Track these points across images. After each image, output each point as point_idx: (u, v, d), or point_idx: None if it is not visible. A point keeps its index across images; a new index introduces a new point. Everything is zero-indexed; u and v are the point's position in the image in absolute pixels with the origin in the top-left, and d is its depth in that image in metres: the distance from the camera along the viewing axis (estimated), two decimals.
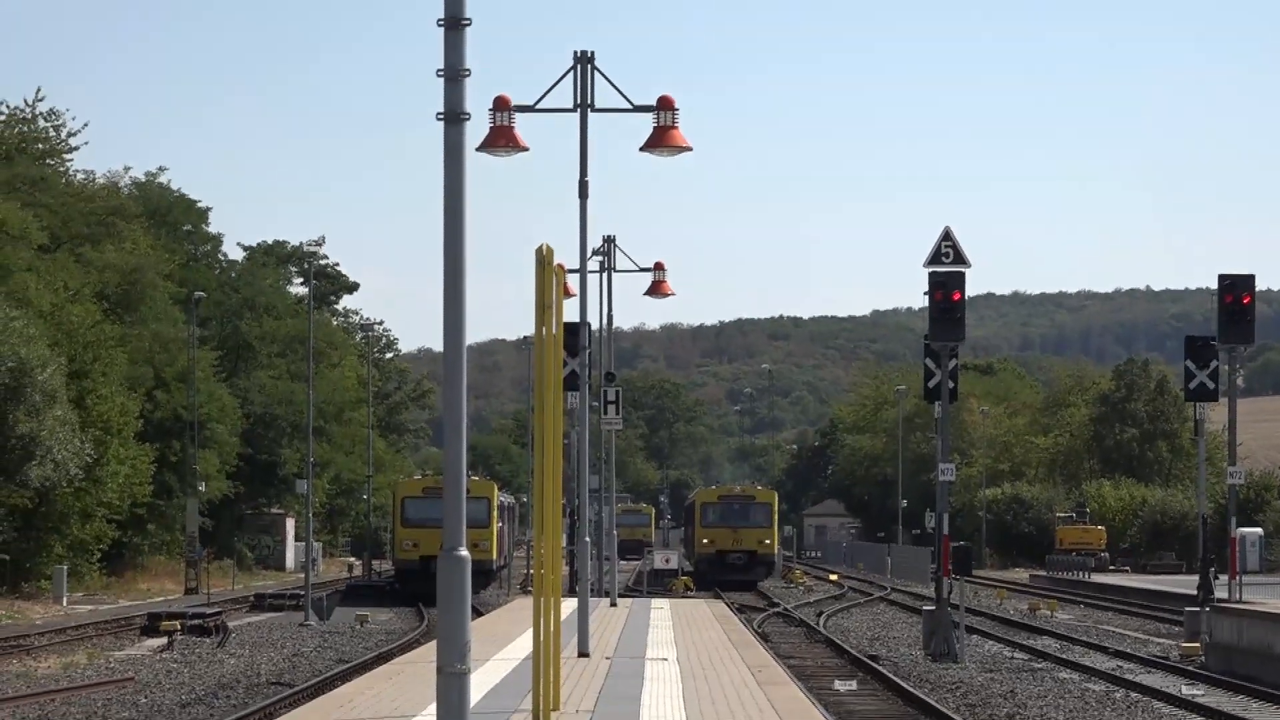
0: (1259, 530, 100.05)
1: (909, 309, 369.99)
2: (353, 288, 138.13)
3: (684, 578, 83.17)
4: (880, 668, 41.12)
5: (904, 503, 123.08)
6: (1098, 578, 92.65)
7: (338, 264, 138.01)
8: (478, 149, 27.98)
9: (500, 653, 30.01)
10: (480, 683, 23.62)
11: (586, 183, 30.82)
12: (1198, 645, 44.83)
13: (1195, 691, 36.25)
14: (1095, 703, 34.30)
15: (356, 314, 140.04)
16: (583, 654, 29.26)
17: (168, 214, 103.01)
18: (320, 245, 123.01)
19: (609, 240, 52.73)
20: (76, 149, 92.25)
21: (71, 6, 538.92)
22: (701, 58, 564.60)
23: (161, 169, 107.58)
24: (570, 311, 33.38)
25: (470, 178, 15.24)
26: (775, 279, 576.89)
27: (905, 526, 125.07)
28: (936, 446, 50.57)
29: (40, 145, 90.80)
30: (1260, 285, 53.90)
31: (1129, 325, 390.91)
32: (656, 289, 48.20)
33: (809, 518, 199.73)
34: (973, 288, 48.55)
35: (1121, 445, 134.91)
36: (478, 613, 44.29)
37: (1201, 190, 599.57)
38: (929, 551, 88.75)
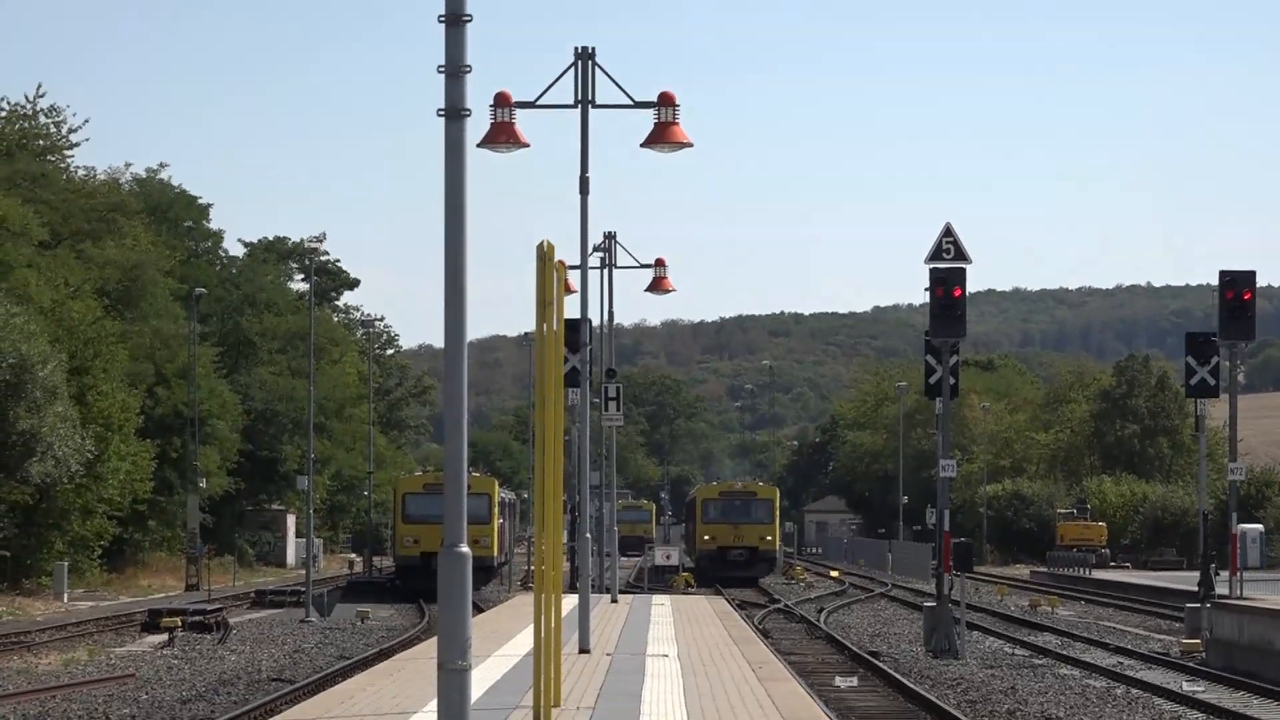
0: (1260, 526, 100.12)
1: (910, 305, 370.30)
2: (353, 284, 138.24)
3: (685, 574, 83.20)
4: (881, 664, 41.13)
5: (905, 499, 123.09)
6: (1098, 574, 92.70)
7: (338, 260, 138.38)
8: (479, 145, 28.01)
9: (501, 649, 30.01)
10: (481, 679, 23.62)
11: (587, 179, 30.83)
12: (1198, 641, 44.84)
13: (1196, 688, 36.26)
14: (1096, 699, 34.31)
15: (357, 310, 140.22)
16: (583, 650, 29.26)
17: (168, 210, 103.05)
18: (321, 241, 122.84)
19: (610, 236, 52.76)
20: (77, 145, 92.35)
21: (73, 3, 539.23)
22: (702, 56, 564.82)
23: (162, 165, 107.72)
24: (571, 308, 33.42)
25: (471, 174, 15.25)
26: (776, 275, 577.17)
27: (906, 523, 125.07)
28: (937, 443, 50.59)
29: (41, 142, 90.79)
30: (1261, 281, 54.04)
31: (1130, 321, 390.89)
32: (657, 285, 48.20)
33: (810, 514, 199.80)
34: (973, 284, 48.68)
35: (1122, 441, 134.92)
36: (478, 609, 44.33)
37: (1202, 187, 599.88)
38: (930, 548, 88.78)
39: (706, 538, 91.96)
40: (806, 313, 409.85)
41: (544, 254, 18.50)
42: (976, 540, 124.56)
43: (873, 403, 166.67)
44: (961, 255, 44.48)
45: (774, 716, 20.99)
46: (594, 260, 51.46)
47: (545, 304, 18.48)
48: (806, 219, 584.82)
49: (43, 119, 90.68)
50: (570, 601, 32.65)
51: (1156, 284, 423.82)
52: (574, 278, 35.92)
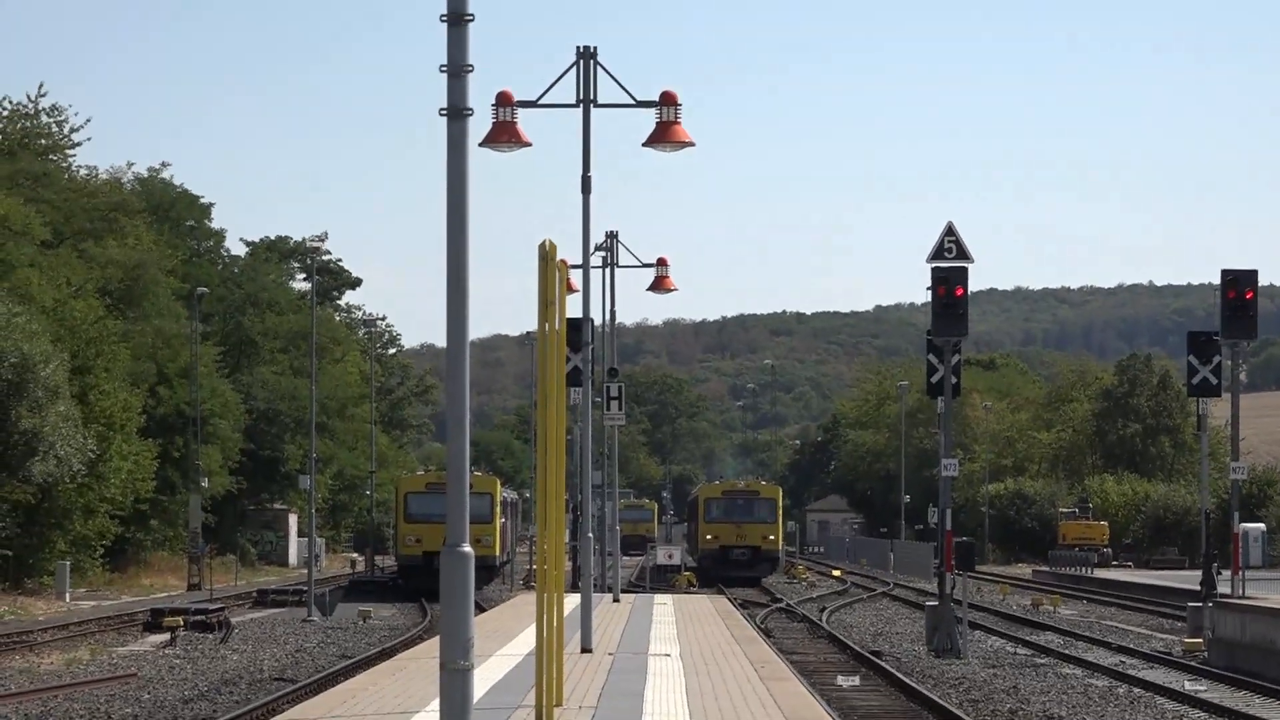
0: (1262, 525, 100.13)
1: (912, 304, 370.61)
2: (355, 283, 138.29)
3: (686, 573, 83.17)
4: (883, 663, 41.12)
5: (907, 498, 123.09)
6: (1100, 573, 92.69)
7: (340, 260, 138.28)
8: (480, 144, 27.99)
9: (503, 648, 30.01)
10: (483, 678, 23.62)
11: (589, 178, 30.81)
12: (1200, 641, 44.82)
13: (1198, 687, 36.24)
14: (1098, 698, 34.29)
15: (359, 309, 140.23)
16: (586, 650, 29.26)
17: (170, 210, 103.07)
18: (323, 241, 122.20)
19: (612, 236, 52.72)
20: (79, 145, 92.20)
21: (74, 3, 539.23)
22: (703, 55, 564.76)
23: (164, 165, 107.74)
24: (573, 307, 33.41)
25: (473, 173, 15.25)
26: (778, 275, 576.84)
27: (908, 522, 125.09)
28: (939, 442, 50.56)
29: (43, 141, 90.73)
30: (1263, 281, 54.05)
31: (1131, 320, 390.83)
32: (659, 284, 48.17)
33: (811, 513, 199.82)
34: (975, 283, 48.59)
35: (1124, 440, 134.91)
36: (480, 608, 44.33)
37: (1204, 186, 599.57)
38: (932, 547, 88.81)
39: (709, 537, 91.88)
40: (808, 312, 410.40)
41: (546, 253, 18.49)
42: (978, 539, 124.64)
43: (874, 402, 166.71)
44: (963, 254, 44.46)
45: (776, 716, 20.98)
46: (596, 259, 51.44)
47: (547, 303, 18.48)
48: (807, 218, 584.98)
49: (44, 118, 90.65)
50: (572, 601, 32.64)
51: (1158, 283, 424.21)
52: (576, 277, 35.95)
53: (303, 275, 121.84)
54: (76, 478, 68.29)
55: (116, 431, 74.96)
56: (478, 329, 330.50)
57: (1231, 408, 51.47)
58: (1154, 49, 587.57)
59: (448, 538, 15.35)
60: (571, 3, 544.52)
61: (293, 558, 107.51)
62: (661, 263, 48.55)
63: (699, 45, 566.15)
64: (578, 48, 30.56)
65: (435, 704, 16.62)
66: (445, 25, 15.22)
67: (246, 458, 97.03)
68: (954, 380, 45.55)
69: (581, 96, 30.45)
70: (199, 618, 52.03)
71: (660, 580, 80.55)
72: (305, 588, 62.70)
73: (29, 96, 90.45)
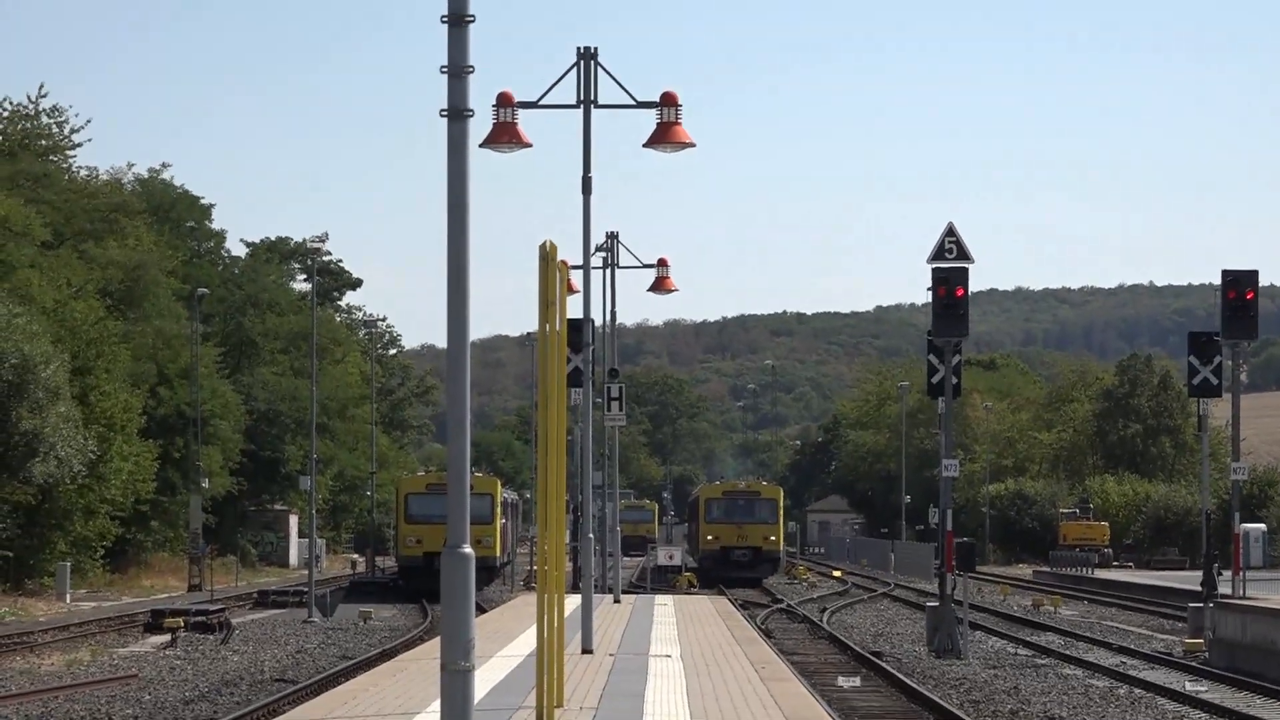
0: (1262, 526, 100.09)
1: (912, 304, 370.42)
2: (356, 284, 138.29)
3: (687, 574, 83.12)
4: (884, 664, 41.12)
5: (907, 498, 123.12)
6: (1101, 573, 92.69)
7: (341, 260, 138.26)
8: (481, 145, 27.99)
9: (504, 649, 30.01)
10: (484, 679, 23.62)
11: (590, 179, 30.81)
12: (1201, 641, 44.83)
13: (1199, 687, 36.24)
14: (1099, 699, 34.29)
15: (360, 310, 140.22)
16: (586, 650, 29.26)
17: (171, 210, 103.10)
18: (323, 242, 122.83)
19: (612, 236, 52.69)
20: (79, 146, 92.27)
21: (74, 3, 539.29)
22: (704, 56, 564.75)
23: (165, 166, 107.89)
24: (574, 308, 33.39)
25: (473, 174, 15.26)
26: (778, 275, 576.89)
27: (909, 522, 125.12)
28: (940, 442, 50.56)
29: (43, 142, 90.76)
30: (1264, 281, 53.97)
31: (1132, 321, 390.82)
32: (660, 285, 48.15)
33: (812, 514, 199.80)
34: (976, 283, 48.57)
35: (1125, 441, 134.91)
36: (481, 609, 44.32)
37: (1204, 186, 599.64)
38: (932, 547, 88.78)
39: (710, 538, 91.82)
40: (809, 312, 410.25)
41: (546, 254, 18.49)
42: (979, 540, 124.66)
43: (875, 402, 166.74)
44: (964, 255, 44.46)
45: (777, 717, 20.98)
46: (596, 260, 51.41)
47: (548, 304, 18.48)
48: (808, 218, 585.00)
49: (45, 119, 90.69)
50: (573, 602, 32.64)
51: (1159, 283, 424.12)
52: (576, 278, 35.96)
53: (303, 276, 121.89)
54: (77, 479, 68.29)
55: (117, 432, 74.97)
56: (478, 329, 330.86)
57: (1232, 408, 51.47)
58: (1154, 49, 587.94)
59: (448, 539, 15.35)
60: (571, 3, 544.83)
61: (293, 558, 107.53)
62: (662, 263, 48.54)
63: (699, 45, 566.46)
64: (578, 48, 30.57)
65: (436, 705, 16.62)
66: (446, 26, 15.23)
67: (247, 458, 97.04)
68: (954, 381, 45.55)
69: (582, 97, 30.45)
70: (200, 619, 52.03)
71: (661, 581, 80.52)
72: (306, 589, 62.70)
73: (29, 97, 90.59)
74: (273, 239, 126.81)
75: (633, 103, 30.02)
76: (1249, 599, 45.04)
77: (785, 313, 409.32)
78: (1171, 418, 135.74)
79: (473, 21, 15.20)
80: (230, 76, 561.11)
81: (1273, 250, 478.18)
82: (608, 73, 30.40)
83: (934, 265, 44.50)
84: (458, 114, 15.22)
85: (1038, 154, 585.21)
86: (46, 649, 46.63)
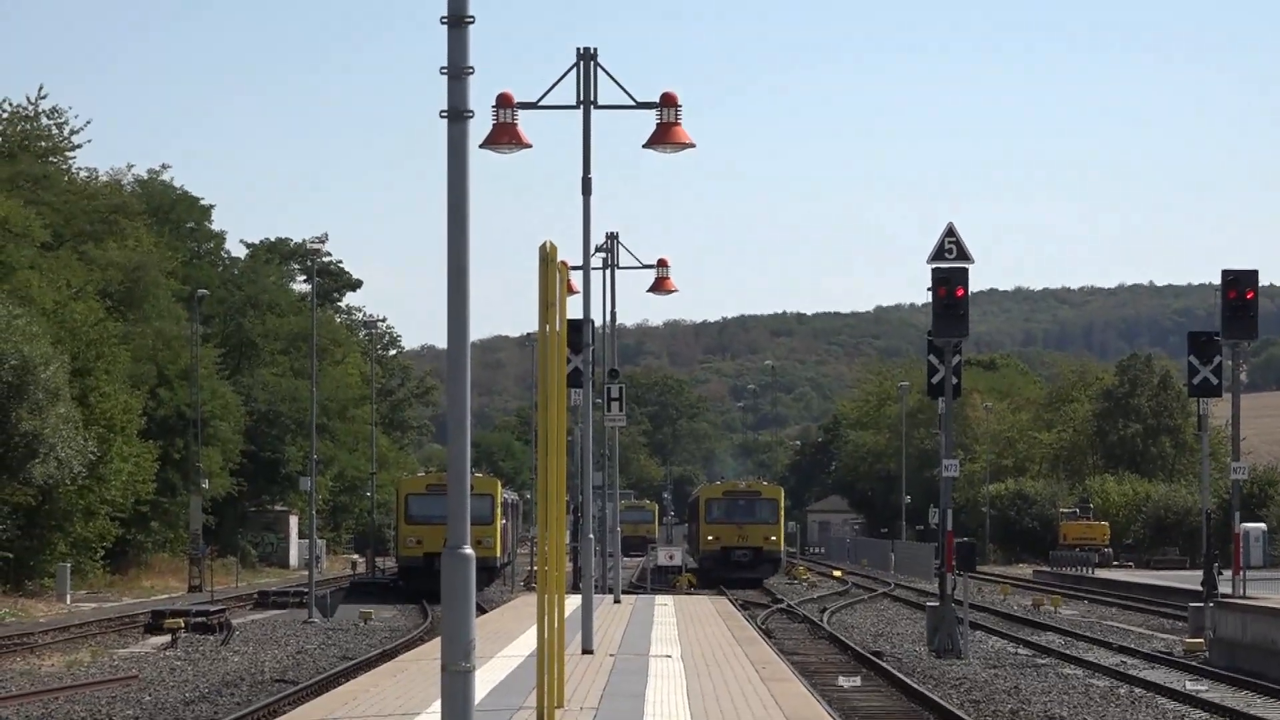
0: (1262, 525, 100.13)
1: (912, 305, 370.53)
2: (356, 285, 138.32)
3: (687, 574, 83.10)
4: (884, 664, 41.12)
5: (907, 499, 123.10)
6: (1101, 573, 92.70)
7: (341, 261, 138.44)
8: (481, 146, 27.99)
9: (504, 650, 30.02)
10: (484, 680, 23.62)
11: (590, 179, 30.80)
12: (1202, 641, 44.82)
13: (1199, 687, 36.24)
14: (1099, 698, 34.30)
15: (359, 311, 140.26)
16: (587, 651, 29.26)
17: (170, 211, 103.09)
18: (323, 242, 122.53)
19: (612, 237, 52.69)
20: (79, 147, 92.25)
21: (74, 4, 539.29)
22: (704, 56, 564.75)
23: (164, 167, 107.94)
24: (574, 308, 33.41)
25: (473, 175, 15.27)
26: (778, 275, 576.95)
27: (909, 522, 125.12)
28: (940, 442, 50.55)
29: (43, 143, 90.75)
30: (1264, 281, 53.99)
31: (1132, 320, 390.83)
32: (660, 285, 48.16)
33: (812, 514, 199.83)
34: (976, 283, 48.64)
35: (1125, 440, 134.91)
36: (481, 610, 44.32)
37: (1204, 186, 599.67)
38: (933, 547, 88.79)
39: (710, 538, 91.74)
40: (809, 313, 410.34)
41: (546, 255, 18.50)
42: (979, 540, 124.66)
43: (875, 402, 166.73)
44: (964, 255, 44.47)
45: (777, 717, 20.99)
46: (596, 261, 51.41)
47: (548, 305, 18.48)
48: (808, 218, 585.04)
49: (44, 120, 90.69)
50: (573, 602, 32.65)
51: (1159, 283, 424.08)
52: (576, 278, 35.97)
53: (303, 277, 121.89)
54: (77, 480, 68.29)
55: (117, 433, 74.97)
56: (478, 330, 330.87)
57: (1232, 408, 51.49)
58: (1154, 49, 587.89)
59: (449, 539, 15.35)
60: (571, 3, 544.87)
61: (293, 559, 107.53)
62: (662, 264, 48.54)
63: (699, 46, 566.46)
64: (578, 49, 30.56)
65: (436, 706, 16.63)
66: (446, 27, 15.23)
67: (247, 459, 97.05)
68: (955, 381, 45.55)
69: (582, 98, 30.44)
70: (200, 619, 52.04)
71: (661, 581, 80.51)
72: (306, 589, 62.70)
73: (29, 99, 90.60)
74: (272, 240, 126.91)
75: (632, 103, 30.02)
76: (1249, 598, 45.05)
77: (785, 313, 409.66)
78: (1171, 418, 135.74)
79: (472, 22, 15.20)
80: (230, 77, 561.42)
81: (1273, 250, 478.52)
82: (607, 73, 30.42)
83: (934, 265, 44.51)
84: (457, 115, 15.23)
85: (1038, 154, 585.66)
86: (47, 650, 46.64)
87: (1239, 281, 47.83)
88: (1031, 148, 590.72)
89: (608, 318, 56.84)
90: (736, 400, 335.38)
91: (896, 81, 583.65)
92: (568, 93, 30.19)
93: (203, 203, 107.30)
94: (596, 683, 24.44)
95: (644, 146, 29.15)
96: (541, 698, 18.48)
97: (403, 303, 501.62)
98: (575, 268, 33.97)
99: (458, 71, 15.23)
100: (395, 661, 31.05)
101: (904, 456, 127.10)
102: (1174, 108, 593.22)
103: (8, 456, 63.87)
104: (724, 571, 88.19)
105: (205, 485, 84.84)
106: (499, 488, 79.78)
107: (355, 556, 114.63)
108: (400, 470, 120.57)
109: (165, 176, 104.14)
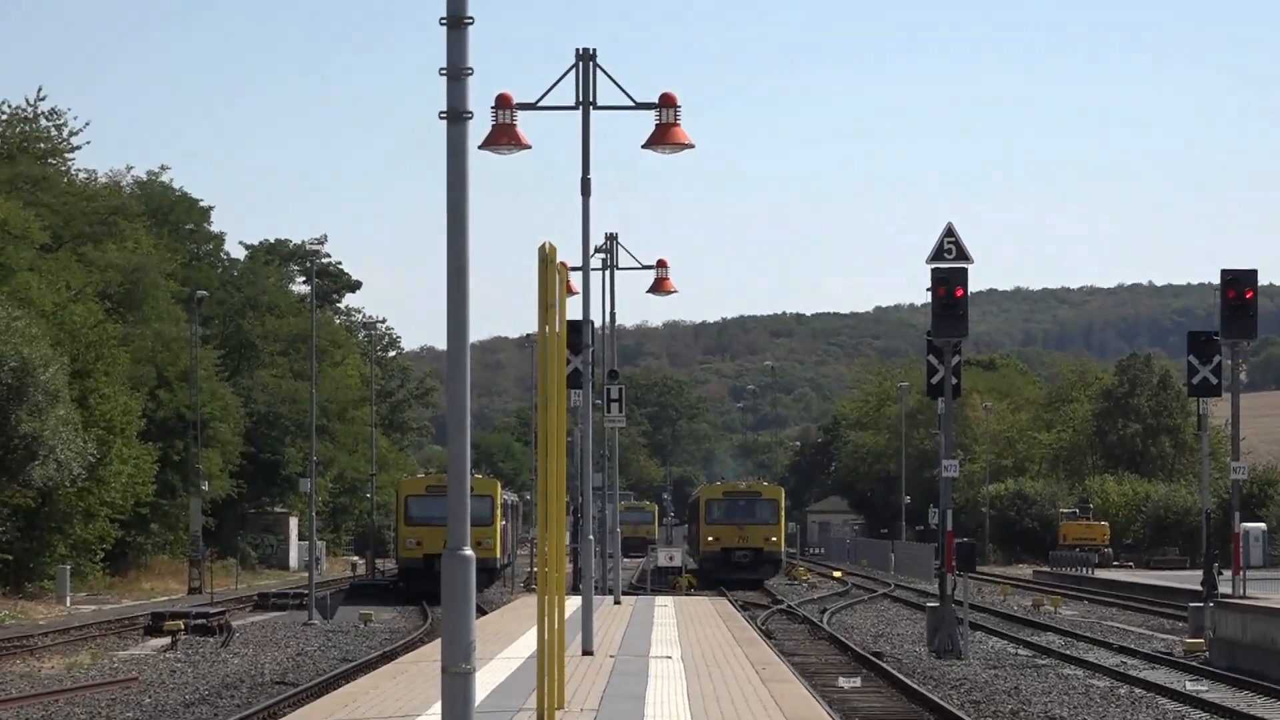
0: (1262, 525, 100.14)
1: (911, 305, 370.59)
2: (355, 286, 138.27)
3: (687, 575, 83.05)
4: (884, 664, 41.11)
5: (907, 499, 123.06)
6: (1101, 573, 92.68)
7: (340, 262, 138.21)
8: (480, 147, 27.99)
9: (504, 651, 30.00)
10: (485, 681, 23.61)
11: (589, 180, 30.79)
12: (1202, 641, 44.82)
13: (1199, 687, 36.24)
14: (1099, 699, 34.29)
15: (359, 312, 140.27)
16: (587, 652, 29.25)
17: (170, 213, 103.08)
18: (322, 244, 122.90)
19: (612, 238, 52.68)
20: (78, 148, 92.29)
21: (73, 5, 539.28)
22: (703, 56, 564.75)
23: (163, 168, 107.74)
24: (573, 309, 33.40)
25: (473, 175, 15.25)
26: (778, 276, 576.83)
27: (909, 523, 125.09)
28: (939, 443, 50.56)
29: (42, 145, 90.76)
30: (1263, 280, 54.03)
31: (1131, 320, 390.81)
32: (659, 286, 48.16)
33: (812, 514, 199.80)
34: (975, 283, 48.59)
35: (1124, 440, 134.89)
36: (482, 611, 44.31)
37: (1204, 186, 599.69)
38: (932, 548, 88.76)
39: (710, 539, 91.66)
40: (808, 313, 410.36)
41: (546, 256, 18.49)
42: (979, 540, 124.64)
43: (875, 403, 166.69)
44: (963, 255, 44.46)
45: (778, 717, 20.98)
46: (596, 261, 51.40)
47: (547, 306, 18.48)
48: (808, 219, 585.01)
49: (44, 122, 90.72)
50: (573, 603, 32.64)
51: (1158, 283, 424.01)
52: (576, 279, 35.95)
53: (302, 278, 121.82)
54: (76, 482, 68.27)
55: (116, 435, 74.95)
56: (478, 331, 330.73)
57: (1232, 407, 51.48)
58: (1154, 49, 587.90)
59: (448, 541, 15.33)
60: (571, 4, 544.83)
61: (293, 561, 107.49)
62: (661, 264, 48.55)
63: (699, 46, 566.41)
64: (577, 50, 30.54)
65: (437, 707, 16.61)
66: (445, 28, 15.22)
67: (247, 461, 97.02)
68: (954, 381, 45.55)
69: (581, 99, 30.43)
70: (200, 621, 52.04)
71: (661, 582, 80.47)
72: (306, 591, 62.69)
73: (28, 100, 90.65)
74: (272, 241, 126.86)
75: (632, 104, 30.01)
76: (1249, 598, 45.04)
77: (785, 313, 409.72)
78: (1171, 417, 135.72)
79: (472, 23, 15.20)
80: (229, 78, 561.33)
81: (1272, 250, 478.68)
82: (607, 74, 30.41)
83: (933, 266, 44.51)
84: (457, 116, 15.21)
85: (1038, 154, 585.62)
86: (46, 652, 46.62)
87: (1238, 281, 47.82)
88: (1031, 148, 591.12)
89: (607, 318, 56.85)
90: (736, 401, 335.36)
91: (896, 81, 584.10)
92: (567, 93, 30.20)
93: (202, 204, 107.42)
94: (597, 684, 24.43)
95: (643, 147, 29.16)
96: (542, 699, 18.47)
97: (402, 304, 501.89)
98: (575, 268, 33.95)
99: (457, 72, 15.22)
100: (395, 663, 31.03)
101: (904, 457, 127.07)
102: (1174, 108, 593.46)
103: (7, 458, 63.85)
104: (724, 572, 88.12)
105: (205, 487, 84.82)
106: (499, 489, 79.76)
107: (355, 558, 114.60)
108: (400, 472, 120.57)
109: (164, 178, 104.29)
